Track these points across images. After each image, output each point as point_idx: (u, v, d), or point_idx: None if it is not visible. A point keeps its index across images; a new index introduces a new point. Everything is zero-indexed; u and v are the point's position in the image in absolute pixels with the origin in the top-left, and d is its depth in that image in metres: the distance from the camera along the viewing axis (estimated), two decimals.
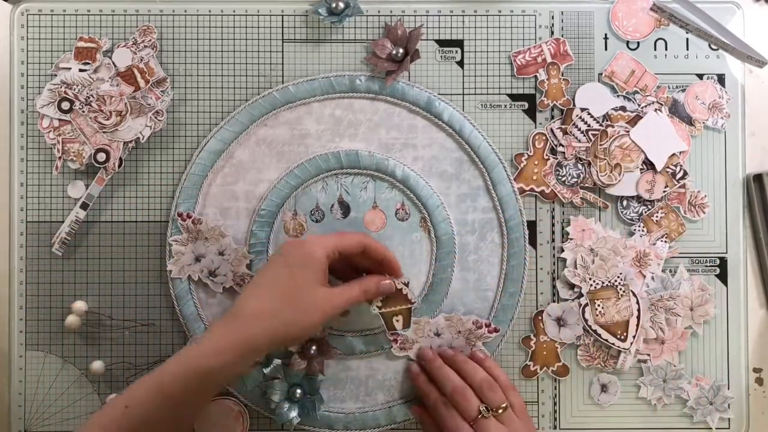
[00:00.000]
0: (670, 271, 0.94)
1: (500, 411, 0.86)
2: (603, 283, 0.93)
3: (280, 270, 0.82)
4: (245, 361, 0.81)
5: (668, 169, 0.93)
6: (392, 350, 0.93)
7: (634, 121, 0.93)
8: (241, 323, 0.80)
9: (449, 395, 0.88)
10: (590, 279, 0.93)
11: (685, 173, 0.93)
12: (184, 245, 0.92)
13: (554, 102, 0.94)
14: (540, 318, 0.94)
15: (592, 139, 0.93)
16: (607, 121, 0.93)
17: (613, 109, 0.93)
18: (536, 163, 0.94)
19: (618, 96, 0.94)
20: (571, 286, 0.94)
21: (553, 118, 0.94)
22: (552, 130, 0.93)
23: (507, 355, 0.94)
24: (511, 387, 0.90)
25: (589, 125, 0.93)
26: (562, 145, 0.93)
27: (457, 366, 0.91)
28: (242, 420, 0.93)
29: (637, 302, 0.92)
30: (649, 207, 0.93)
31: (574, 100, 0.94)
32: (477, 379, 0.88)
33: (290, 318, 0.81)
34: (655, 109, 0.93)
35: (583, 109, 0.93)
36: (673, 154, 0.93)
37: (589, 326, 0.93)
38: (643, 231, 0.93)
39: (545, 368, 0.94)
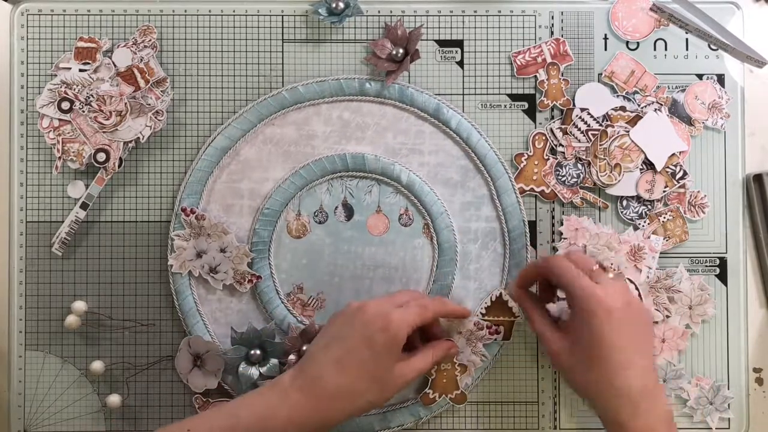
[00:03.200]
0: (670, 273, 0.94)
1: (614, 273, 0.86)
2: None
3: (364, 349, 0.81)
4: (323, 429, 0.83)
5: (668, 169, 0.93)
6: None
7: (634, 121, 0.93)
8: (325, 402, 0.81)
9: (569, 254, 0.88)
10: None
11: (685, 173, 0.93)
12: (186, 240, 0.92)
13: (554, 102, 0.94)
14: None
15: (592, 139, 0.93)
16: (607, 121, 0.93)
17: (612, 109, 0.93)
18: (536, 163, 0.94)
19: (618, 96, 0.94)
20: None
21: (552, 118, 0.94)
22: (552, 130, 0.94)
23: (508, 355, 0.94)
24: None
25: (588, 125, 0.93)
26: (562, 145, 0.93)
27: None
28: None
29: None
30: (649, 207, 0.94)
31: (573, 100, 0.94)
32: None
33: (372, 399, 0.82)
34: (655, 109, 0.93)
35: (583, 109, 0.93)
36: (673, 154, 0.93)
37: None
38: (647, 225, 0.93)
39: (443, 395, 0.93)
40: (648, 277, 0.93)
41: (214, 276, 0.92)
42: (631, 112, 0.93)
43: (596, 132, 0.93)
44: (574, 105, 0.94)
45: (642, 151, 0.93)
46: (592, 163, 0.93)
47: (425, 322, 0.86)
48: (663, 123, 0.93)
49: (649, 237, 0.93)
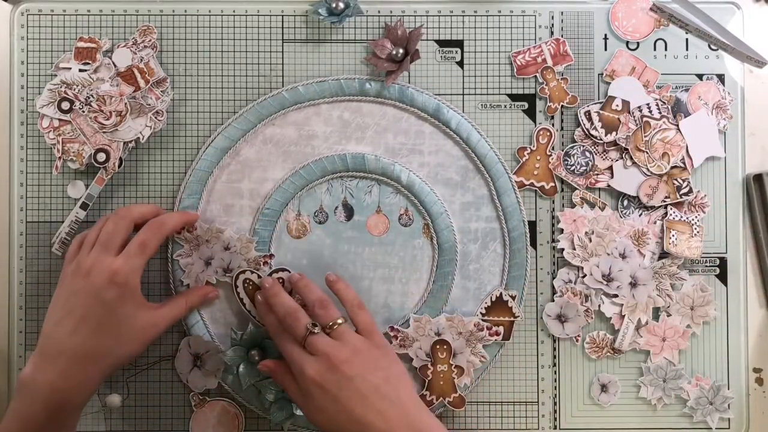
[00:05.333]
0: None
1: (333, 327, 0.84)
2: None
3: (98, 309, 0.81)
4: (84, 395, 0.83)
5: (675, 181, 0.93)
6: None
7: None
8: (74, 368, 0.81)
9: (282, 320, 0.86)
10: (590, 256, 0.93)
11: (690, 191, 0.93)
12: (189, 256, 0.92)
13: (561, 103, 0.93)
14: (437, 347, 0.93)
15: (640, 124, 0.93)
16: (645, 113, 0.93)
17: (644, 110, 0.93)
18: (538, 158, 0.94)
19: (650, 93, 0.93)
20: (567, 282, 0.94)
21: (553, 118, 0.94)
22: (589, 113, 0.93)
23: (508, 355, 0.94)
24: (358, 305, 0.88)
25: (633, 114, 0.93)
26: (596, 129, 0.93)
27: (295, 289, 0.90)
28: (238, 422, 0.93)
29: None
30: (649, 210, 0.93)
31: (606, 92, 0.94)
32: (311, 299, 0.87)
33: (123, 353, 0.83)
34: (707, 111, 0.93)
35: (624, 101, 0.93)
36: (684, 169, 0.93)
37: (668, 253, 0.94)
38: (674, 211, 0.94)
39: (441, 399, 0.93)
40: (652, 262, 0.94)
41: (230, 274, 0.92)
42: (657, 117, 0.93)
43: (648, 117, 0.93)
44: (580, 103, 0.94)
45: (685, 143, 0.93)
46: (632, 154, 0.92)
47: (152, 256, 0.85)
48: (710, 124, 0.94)
49: (655, 222, 0.93)
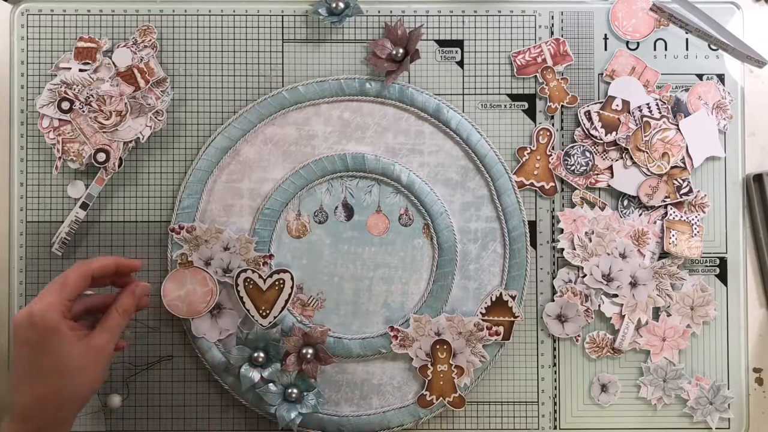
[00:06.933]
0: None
1: None
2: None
3: (33, 357, 0.78)
4: None
5: (675, 181, 0.93)
6: (391, 347, 0.93)
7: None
8: (46, 421, 0.78)
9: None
10: (590, 256, 0.93)
11: (690, 191, 0.93)
12: (189, 256, 0.92)
13: (561, 103, 0.93)
14: (437, 347, 0.93)
15: (640, 124, 0.93)
16: (645, 113, 0.93)
17: (644, 110, 0.93)
18: (538, 158, 0.94)
19: (650, 93, 0.93)
20: (567, 282, 0.94)
21: (553, 118, 0.94)
22: (589, 113, 0.93)
23: (507, 355, 0.94)
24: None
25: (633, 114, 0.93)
26: (596, 129, 0.93)
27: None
28: (211, 297, 0.92)
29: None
30: (649, 210, 0.93)
31: (606, 92, 0.94)
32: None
33: (71, 391, 0.79)
34: (707, 111, 0.93)
35: (624, 101, 0.93)
36: (684, 169, 0.93)
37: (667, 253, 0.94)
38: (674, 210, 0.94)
39: (441, 399, 0.93)
40: (652, 262, 0.94)
41: (230, 275, 0.92)
42: (657, 116, 0.93)
43: (648, 117, 0.93)
44: (580, 102, 0.94)
45: (685, 143, 0.93)
46: (632, 154, 0.92)
47: (75, 293, 0.80)
48: (710, 124, 0.94)
49: (655, 222, 0.93)
